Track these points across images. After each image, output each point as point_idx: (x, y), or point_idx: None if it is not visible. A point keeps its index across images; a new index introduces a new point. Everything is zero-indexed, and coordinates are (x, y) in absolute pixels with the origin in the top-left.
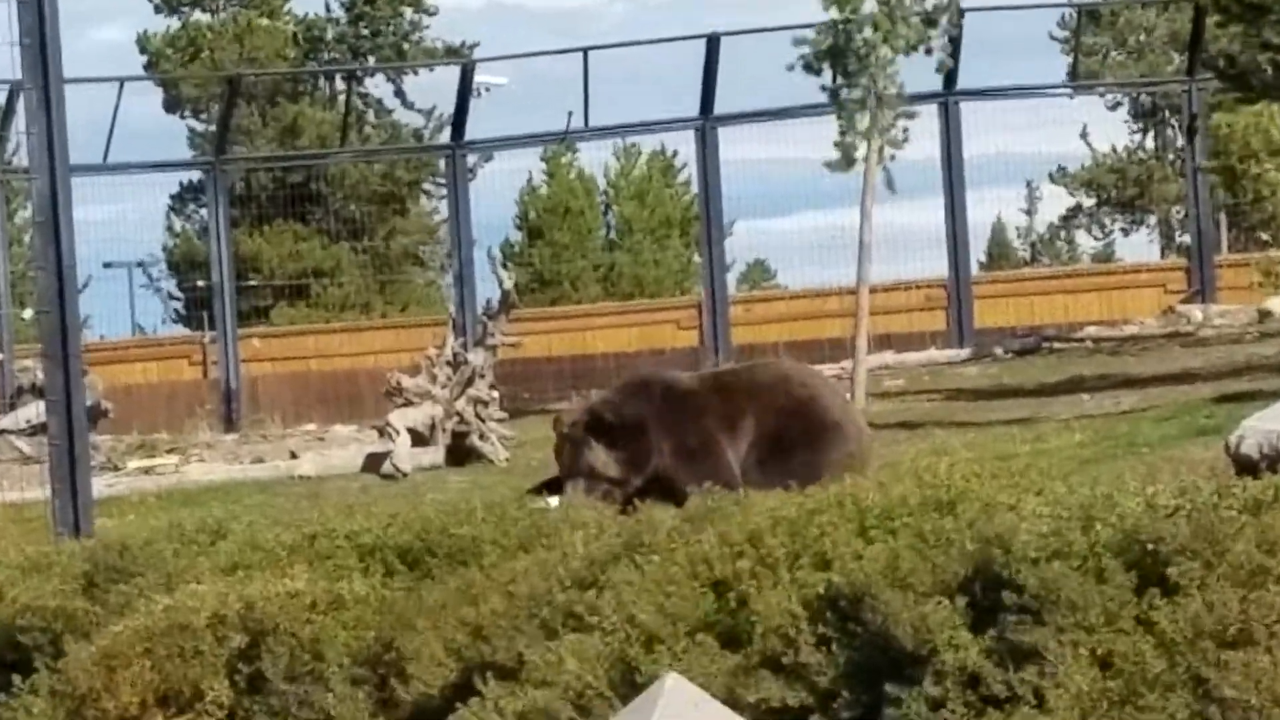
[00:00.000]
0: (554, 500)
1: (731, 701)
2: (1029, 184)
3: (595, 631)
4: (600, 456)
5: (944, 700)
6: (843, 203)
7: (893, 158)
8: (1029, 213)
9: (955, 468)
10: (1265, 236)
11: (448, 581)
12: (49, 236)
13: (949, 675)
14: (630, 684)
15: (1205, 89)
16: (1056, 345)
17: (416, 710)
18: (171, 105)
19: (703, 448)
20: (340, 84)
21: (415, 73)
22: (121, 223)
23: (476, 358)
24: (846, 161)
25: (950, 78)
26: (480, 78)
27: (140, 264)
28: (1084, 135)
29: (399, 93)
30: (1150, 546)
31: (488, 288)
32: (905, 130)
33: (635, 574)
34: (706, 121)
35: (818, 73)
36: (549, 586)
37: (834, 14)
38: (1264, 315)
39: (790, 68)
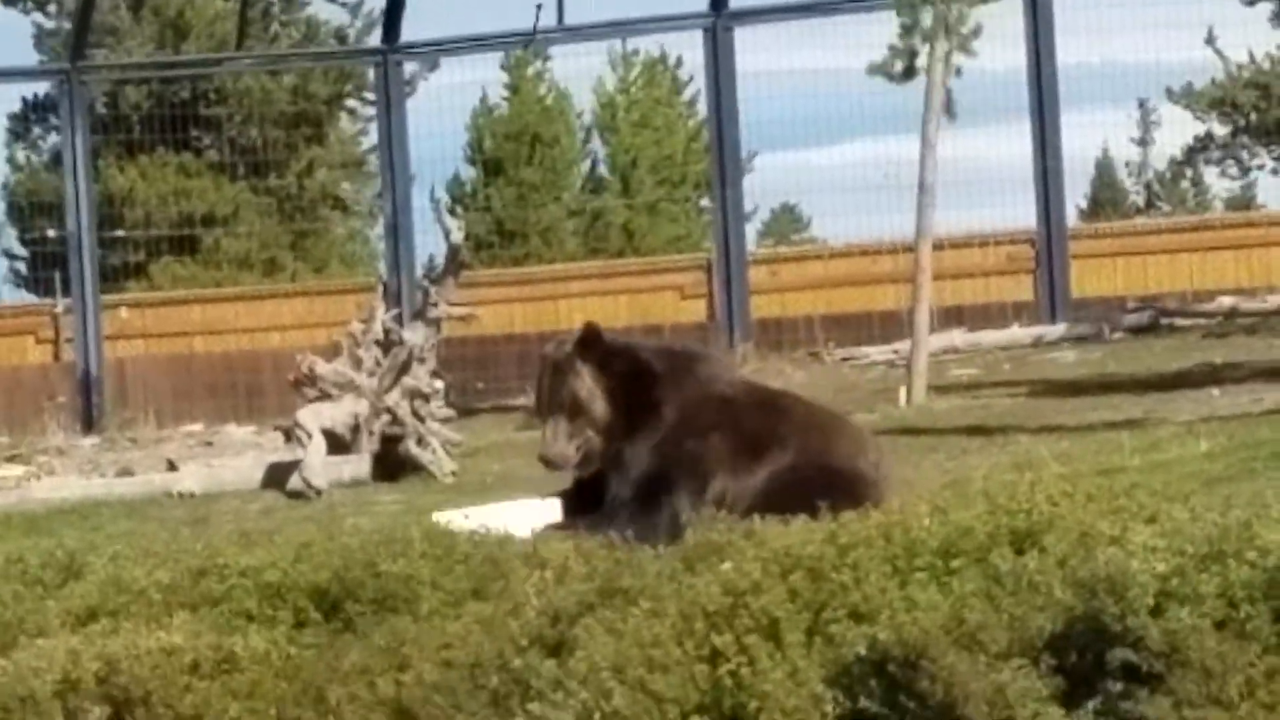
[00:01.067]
0: (467, 515)
1: None
2: (1142, 104)
3: (560, 708)
4: (591, 389)
5: None
6: (898, 128)
7: (959, 71)
8: (1143, 143)
9: (1040, 486)
10: None
11: (373, 635)
12: None
13: None
14: None
15: None
16: (1178, 322)
17: None
18: None
19: (687, 466)
20: None
21: None
22: None
23: (415, 335)
24: (904, 71)
25: None
26: None
27: None
28: (1210, 40)
29: None
30: None
31: (430, 241)
32: (978, 29)
33: (611, 635)
34: (718, 19)
35: None
36: (499, 649)
37: None
38: None
39: None
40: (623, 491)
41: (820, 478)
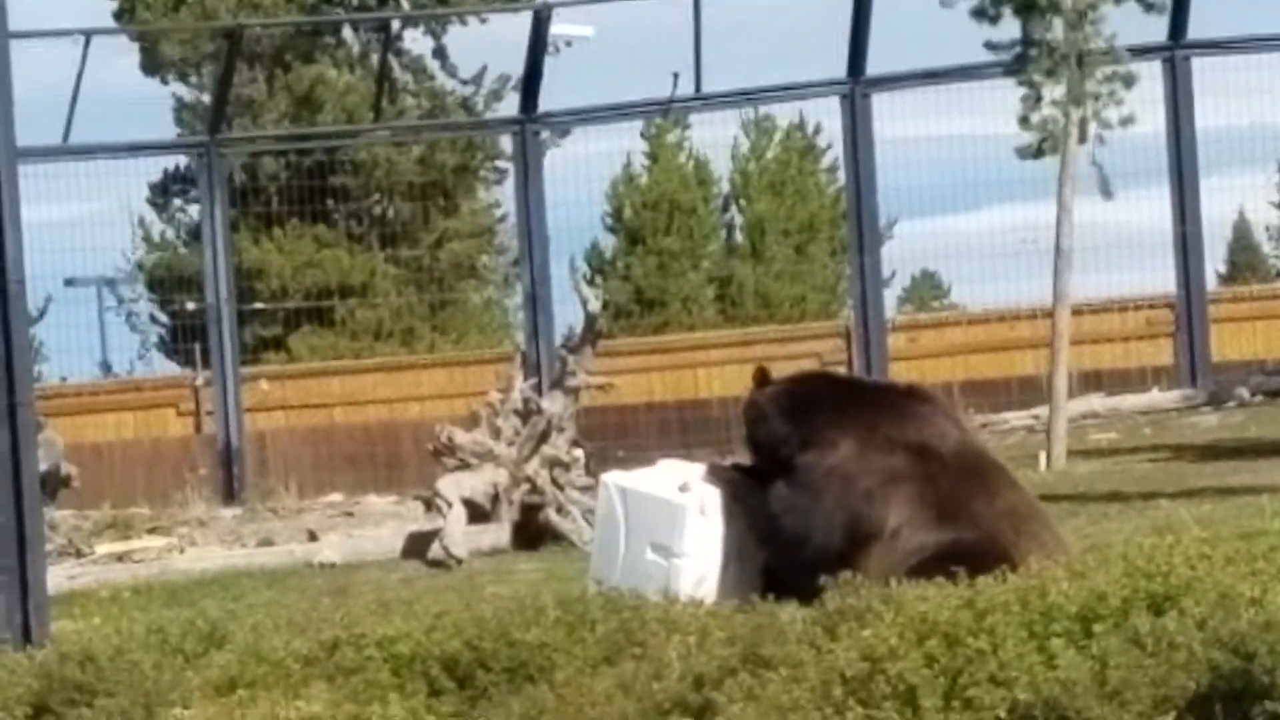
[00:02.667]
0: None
1: None
2: None
3: None
4: (762, 410)
5: None
6: (1037, 195)
7: (1101, 139)
8: None
9: (1179, 549)
10: None
11: (509, 703)
12: None
13: None
14: None
15: None
16: None
17: None
18: (151, 67)
19: (857, 505)
20: (368, 39)
21: (465, 22)
22: (87, 225)
23: (553, 405)
24: (1039, 143)
25: (1177, 23)
26: (558, 29)
27: (111, 281)
28: None
29: (439, 50)
30: None
31: (568, 311)
32: (1114, 94)
33: (750, 700)
34: (856, 85)
35: (994, 20)
36: (641, 711)
37: None
38: None
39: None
40: (786, 499)
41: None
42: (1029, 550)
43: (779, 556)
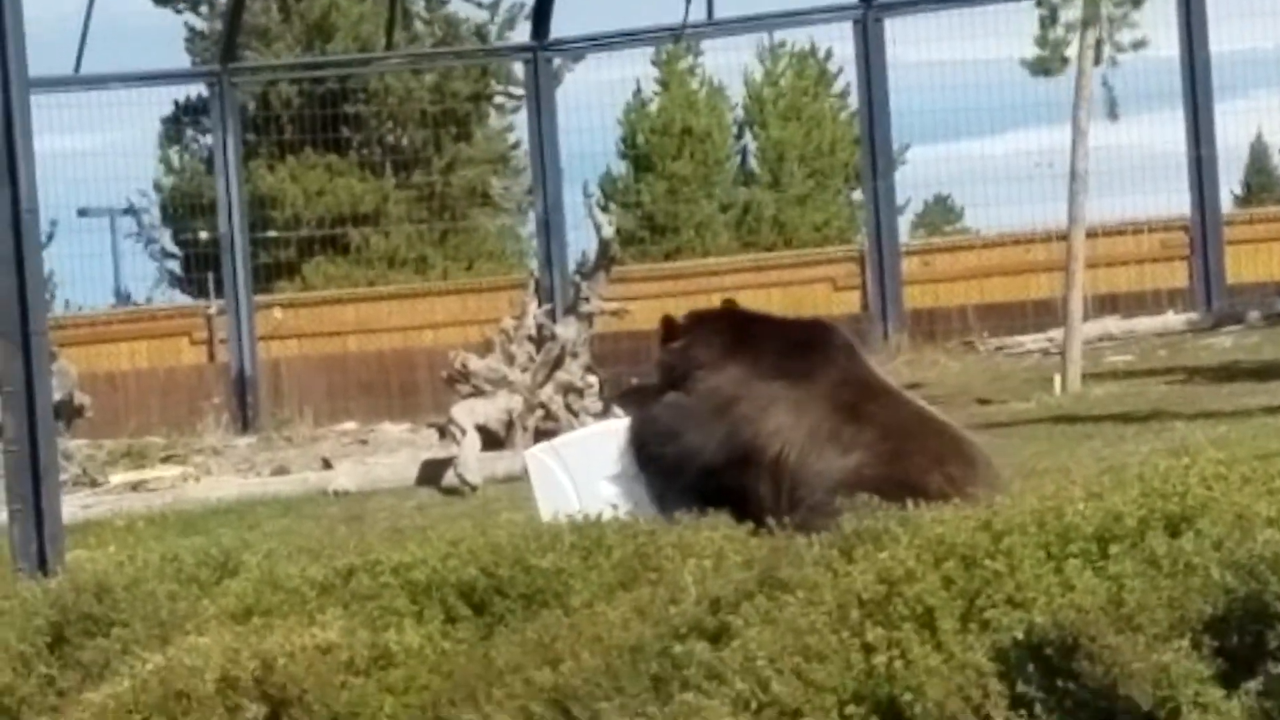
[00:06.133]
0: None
1: None
2: None
3: (716, 696)
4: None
5: None
6: (1051, 118)
7: (1114, 61)
8: None
9: (1195, 471)
10: None
11: (525, 629)
12: (2, 174)
13: None
14: None
15: None
16: None
17: None
18: None
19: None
20: None
21: None
22: (100, 156)
23: (567, 331)
24: (1052, 62)
25: None
26: None
27: (126, 210)
28: None
29: None
30: None
31: (582, 237)
32: (1126, 16)
33: (767, 624)
34: (868, 10)
35: None
36: (658, 634)
37: None
38: None
39: None
40: (663, 416)
41: (869, 486)
42: (941, 484)
43: (653, 468)
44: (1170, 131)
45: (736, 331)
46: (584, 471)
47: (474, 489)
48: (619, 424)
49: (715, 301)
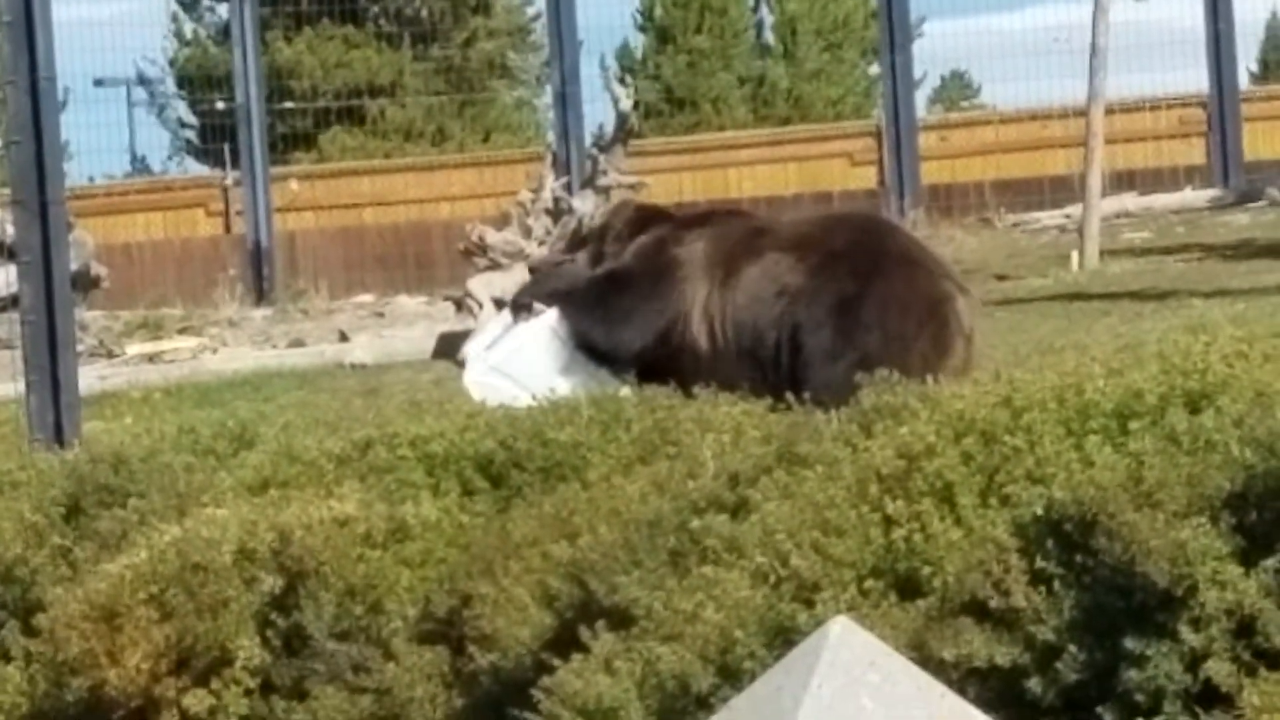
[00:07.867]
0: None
1: (921, 660)
2: None
3: (734, 569)
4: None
5: (1206, 654)
6: None
7: None
8: None
9: (1215, 348)
10: None
11: (542, 503)
12: (20, 41)
13: (1213, 621)
14: (786, 642)
15: None
16: None
17: (501, 680)
18: None
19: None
20: None
21: None
22: (116, 25)
23: (584, 204)
24: None
25: None
26: None
27: (141, 80)
28: None
29: None
30: None
31: (599, 110)
32: None
33: (786, 498)
34: None
35: None
36: (676, 509)
37: None
38: None
39: None
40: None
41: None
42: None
43: (587, 323)
44: (1189, 8)
45: (681, 218)
46: (534, 379)
47: None
48: (544, 321)
49: (732, 176)
